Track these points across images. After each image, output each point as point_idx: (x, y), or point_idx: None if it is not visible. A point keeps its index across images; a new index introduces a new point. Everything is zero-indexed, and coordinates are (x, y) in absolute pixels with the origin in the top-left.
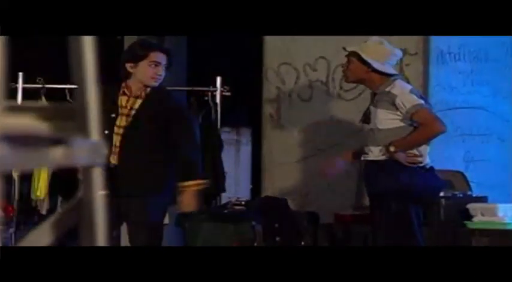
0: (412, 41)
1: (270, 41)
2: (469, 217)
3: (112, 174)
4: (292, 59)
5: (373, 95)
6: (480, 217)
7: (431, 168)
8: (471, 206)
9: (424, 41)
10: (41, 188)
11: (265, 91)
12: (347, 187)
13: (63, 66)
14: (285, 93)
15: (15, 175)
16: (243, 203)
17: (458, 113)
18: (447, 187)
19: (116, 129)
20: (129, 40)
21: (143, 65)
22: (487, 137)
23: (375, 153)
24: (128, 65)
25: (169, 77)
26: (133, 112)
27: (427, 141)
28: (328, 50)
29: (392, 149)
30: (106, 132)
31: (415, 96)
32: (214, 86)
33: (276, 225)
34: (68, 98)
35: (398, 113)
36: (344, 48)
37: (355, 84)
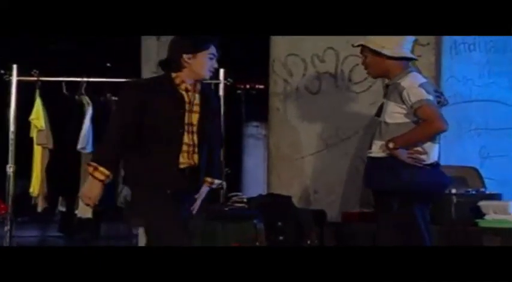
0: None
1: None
2: (482, 215)
3: (195, 174)
4: (300, 50)
5: (386, 87)
6: (492, 215)
7: (437, 164)
8: (483, 204)
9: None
10: (34, 185)
11: (272, 83)
12: (357, 183)
13: (60, 59)
14: (292, 85)
15: (10, 171)
16: (245, 200)
17: (473, 106)
18: (460, 184)
19: (187, 127)
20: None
21: (202, 56)
22: (505, 131)
23: (376, 149)
24: (186, 56)
25: None
26: (197, 108)
27: (427, 138)
28: (337, 41)
29: (391, 145)
30: (181, 130)
31: (423, 91)
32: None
33: (280, 223)
34: (64, 90)
35: (404, 106)
36: (353, 45)
37: (365, 76)
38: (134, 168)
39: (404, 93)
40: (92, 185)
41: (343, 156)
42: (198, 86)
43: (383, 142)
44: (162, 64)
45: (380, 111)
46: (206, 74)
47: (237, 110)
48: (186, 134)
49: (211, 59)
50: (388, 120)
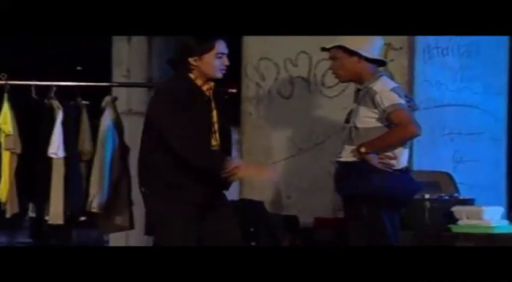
0: (396, 36)
1: (248, 36)
2: (455, 220)
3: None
4: (273, 54)
5: (357, 91)
6: (465, 220)
7: (407, 170)
8: (456, 209)
9: (410, 36)
10: (2, 191)
11: (244, 88)
12: (330, 188)
13: (29, 63)
14: (264, 90)
15: None
16: None
17: (447, 110)
18: (433, 189)
19: (213, 127)
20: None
21: (209, 57)
22: (478, 136)
23: (346, 154)
24: (191, 59)
25: (161, 74)
26: (215, 107)
27: (399, 143)
28: (310, 44)
29: (363, 150)
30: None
31: (396, 95)
32: None
33: (252, 229)
34: (34, 95)
35: (377, 111)
36: (324, 48)
37: (337, 81)
38: (163, 170)
39: (377, 98)
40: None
41: (316, 161)
42: (212, 87)
43: (353, 147)
44: (172, 65)
45: (349, 116)
46: (217, 74)
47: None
48: (213, 134)
49: (219, 58)
50: (359, 125)
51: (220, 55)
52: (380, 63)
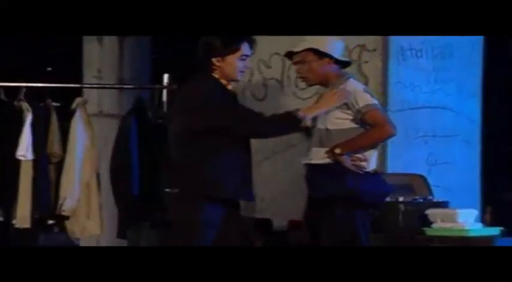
0: (370, 37)
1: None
2: (429, 223)
3: None
4: None
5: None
6: (440, 223)
7: (377, 172)
8: (430, 212)
9: (384, 37)
10: None
11: None
12: (304, 191)
13: None
14: (238, 91)
15: None
16: None
17: (420, 112)
18: (407, 192)
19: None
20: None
21: (232, 58)
22: (452, 138)
23: (319, 155)
24: (215, 60)
25: (133, 75)
26: None
27: (375, 144)
28: (283, 46)
29: (338, 151)
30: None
31: (369, 95)
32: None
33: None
34: (2, 96)
35: (350, 112)
36: (291, 52)
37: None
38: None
39: (351, 98)
40: None
41: (290, 163)
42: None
43: (324, 149)
44: (195, 65)
45: (315, 119)
46: (237, 76)
47: None
48: None
49: (242, 60)
50: (330, 127)
51: (243, 57)
52: (345, 64)
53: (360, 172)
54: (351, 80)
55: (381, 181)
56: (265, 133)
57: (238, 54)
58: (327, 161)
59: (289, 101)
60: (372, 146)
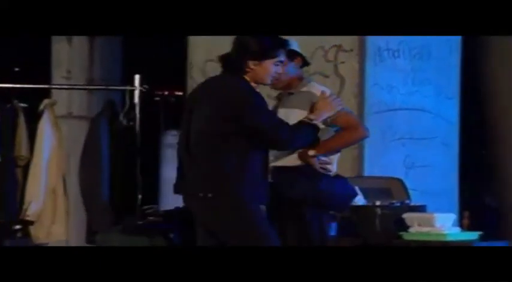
0: (347, 37)
1: (194, 38)
2: (406, 227)
3: None
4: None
5: (286, 95)
6: (417, 227)
7: (339, 175)
8: (407, 216)
9: (360, 37)
10: None
11: (190, 90)
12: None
13: None
14: None
15: None
16: (160, 213)
17: (398, 114)
18: (384, 195)
19: None
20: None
21: (269, 63)
22: (430, 141)
23: (288, 158)
24: (252, 63)
25: (104, 76)
26: None
27: (349, 145)
28: None
29: (312, 153)
30: None
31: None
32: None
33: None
34: None
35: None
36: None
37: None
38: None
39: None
40: None
41: None
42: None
43: (291, 152)
44: (226, 64)
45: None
46: (268, 81)
47: (155, 118)
48: None
49: (277, 65)
50: None
51: (278, 63)
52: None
53: (329, 174)
54: (313, 82)
55: (346, 184)
56: (296, 143)
57: (275, 59)
58: (298, 163)
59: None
60: (346, 147)
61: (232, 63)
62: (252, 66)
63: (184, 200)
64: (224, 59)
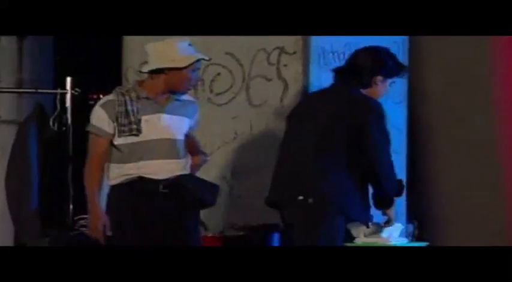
0: (290, 39)
1: (129, 39)
2: (352, 238)
3: None
4: None
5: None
6: (363, 239)
7: None
8: (352, 226)
9: (304, 39)
10: None
11: None
12: (220, 206)
13: None
14: None
15: None
16: None
17: None
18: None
19: None
20: None
21: (386, 82)
22: None
23: None
24: (379, 78)
25: (34, 78)
26: None
27: None
28: (197, 47)
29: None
30: None
31: None
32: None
33: None
34: None
35: None
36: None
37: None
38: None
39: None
40: None
41: (203, 174)
42: None
43: None
44: (347, 75)
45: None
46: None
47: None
48: None
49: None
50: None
51: (389, 82)
52: None
53: None
54: None
55: None
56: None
57: (391, 79)
58: None
59: (203, 106)
60: None
61: (358, 75)
62: (376, 82)
63: (285, 207)
64: (344, 71)
